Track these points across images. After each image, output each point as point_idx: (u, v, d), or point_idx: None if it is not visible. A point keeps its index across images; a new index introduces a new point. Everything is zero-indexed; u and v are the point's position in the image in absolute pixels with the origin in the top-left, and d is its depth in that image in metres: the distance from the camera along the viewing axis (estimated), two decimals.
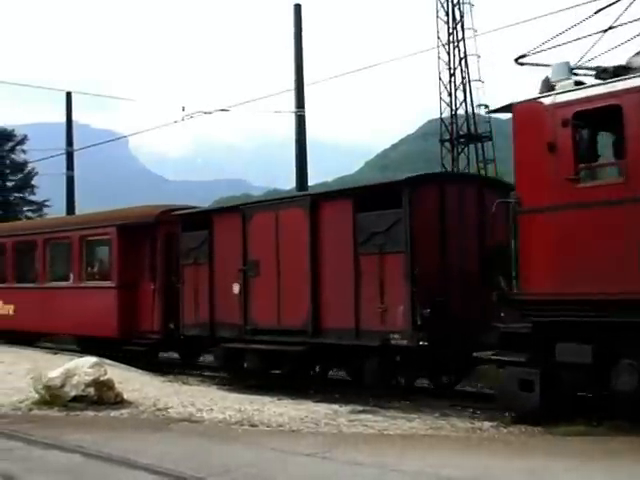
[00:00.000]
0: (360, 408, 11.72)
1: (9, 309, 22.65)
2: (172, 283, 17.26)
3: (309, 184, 24.84)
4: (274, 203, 15.37)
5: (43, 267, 21.83)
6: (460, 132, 46.83)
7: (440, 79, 46.93)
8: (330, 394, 13.41)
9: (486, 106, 47.06)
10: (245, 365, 15.31)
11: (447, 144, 46.90)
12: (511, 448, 8.91)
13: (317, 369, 14.75)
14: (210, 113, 24.70)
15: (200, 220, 16.51)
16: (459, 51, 46.17)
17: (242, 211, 15.40)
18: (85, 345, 20.00)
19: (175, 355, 20.08)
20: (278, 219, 14.47)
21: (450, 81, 46.64)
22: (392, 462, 8.00)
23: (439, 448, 8.96)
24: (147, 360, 18.12)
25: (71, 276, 20.58)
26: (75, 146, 35.33)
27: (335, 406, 11.91)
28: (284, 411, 11.39)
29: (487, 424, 10.43)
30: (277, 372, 14.91)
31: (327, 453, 8.55)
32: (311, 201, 14.02)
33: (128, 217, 19.28)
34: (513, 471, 7.52)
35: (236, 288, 15.17)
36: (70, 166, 34.69)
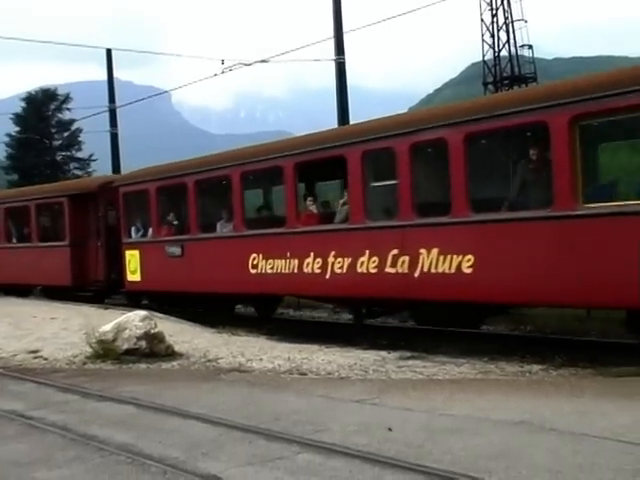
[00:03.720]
0: (408, 354, 11.72)
1: (461, 263, 11.85)
2: None
3: None
4: None
5: (570, 177, 10.52)
6: (504, 74, 45.98)
7: (482, 20, 46.04)
8: (378, 341, 13.45)
9: (530, 46, 46.15)
10: None
11: (491, 87, 46.12)
12: (561, 390, 8.83)
13: None
14: (249, 65, 24.61)
15: None
16: None
17: None
18: None
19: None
20: None
21: (492, 22, 45.74)
22: (441, 407, 8.00)
23: (488, 392, 8.92)
24: None
25: None
26: (119, 103, 35.47)
27: (383, 353, 11.93)
28: (332, 359, 11.45)
29: (536, 367, 10.38)
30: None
31: (376, 399, 8.59)
32: None
33: None
34: (564, 413, 7.46)
35: None
36: (114, 123, 34.91)
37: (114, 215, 20.72)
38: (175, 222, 18.42)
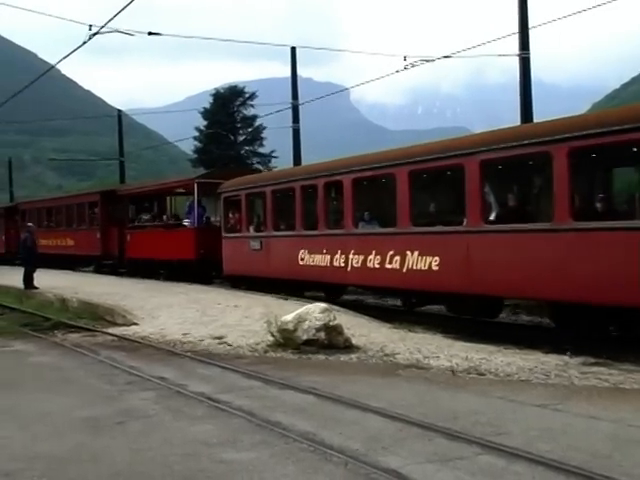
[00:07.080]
0: (592, 360, 11.24)
1: None
2: None
3: None
4: None
5: None
6: None
7: None
8: (559, 344, 13.01)
9: None
10: None
11: None
12: None
13: None
14: (432, 61, 24.38)
15: None
16: None
17: None
18: None
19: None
20: None
21: None
22: (630, 417, 7.64)
23: None
24: None
25: None
26: (300, 99, 36.28)
27: (565, 357, 11.51)
28: (512, 361, 11.18)
29: None
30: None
31: (559, 405, 8.33)
32: None
33: None
34: None
35: None
36: (296, 119, 35.74)
37: None
38: None
